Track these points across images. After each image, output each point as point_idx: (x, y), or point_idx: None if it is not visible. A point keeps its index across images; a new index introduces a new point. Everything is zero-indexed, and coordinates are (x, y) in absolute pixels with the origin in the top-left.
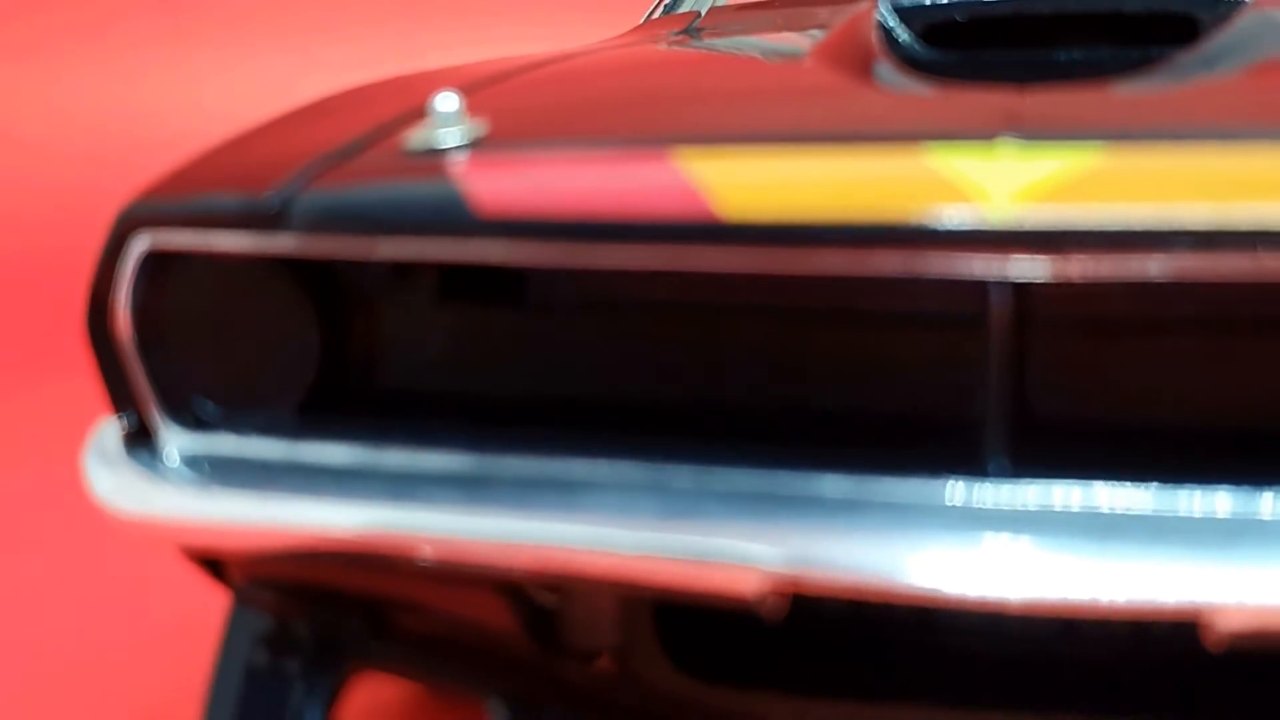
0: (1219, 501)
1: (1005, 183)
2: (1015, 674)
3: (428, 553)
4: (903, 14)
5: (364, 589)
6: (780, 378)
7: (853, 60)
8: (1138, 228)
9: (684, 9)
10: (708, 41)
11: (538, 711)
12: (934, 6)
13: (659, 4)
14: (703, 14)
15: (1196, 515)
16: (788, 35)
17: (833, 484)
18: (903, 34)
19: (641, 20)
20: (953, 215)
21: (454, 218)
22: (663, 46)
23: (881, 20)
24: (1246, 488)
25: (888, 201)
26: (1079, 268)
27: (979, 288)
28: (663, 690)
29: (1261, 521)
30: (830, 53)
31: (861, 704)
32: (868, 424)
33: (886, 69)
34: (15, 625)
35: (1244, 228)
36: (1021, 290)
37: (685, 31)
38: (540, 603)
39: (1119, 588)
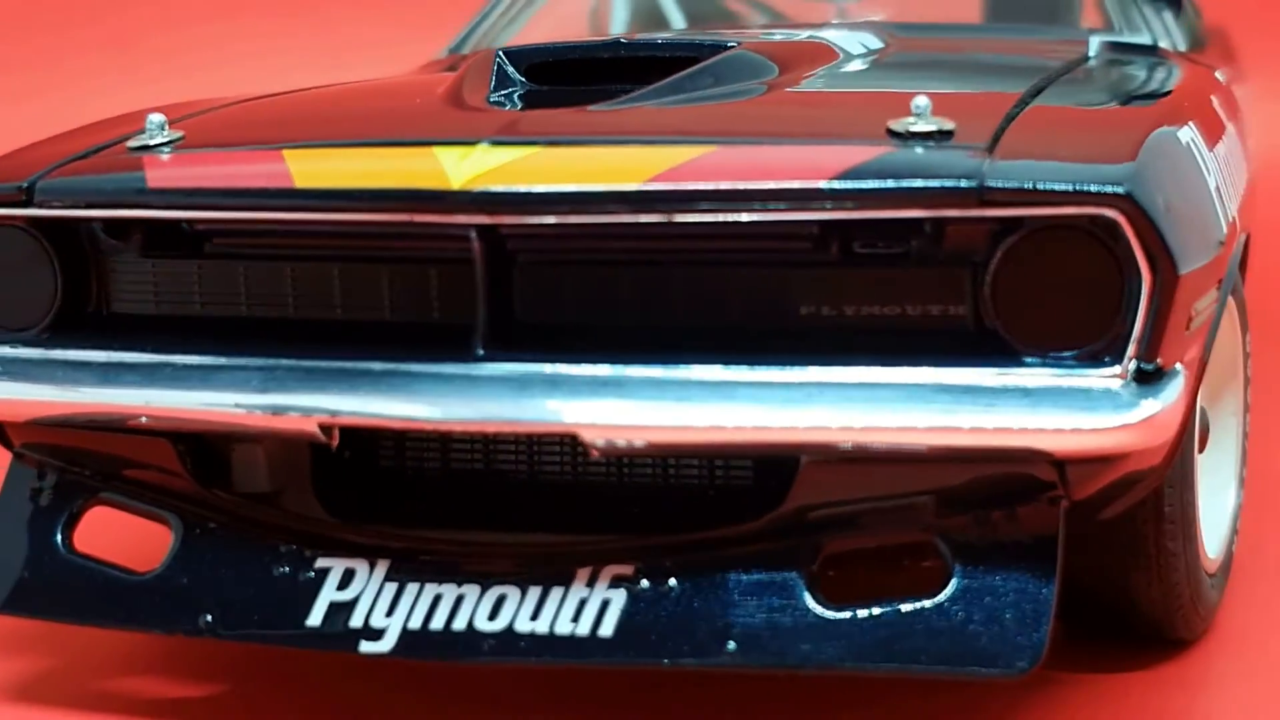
0: (598, 369)
1: (466, 169)
2: (558, 503)
3: (132, 417)
4: (512, 57)
5: (90, 446)
6: (349, 297)
7: (457, 89)
8: (541, 196)
9: (467, 51)
10: (433, 75)
11: (205, 530)
12: (533, 51)
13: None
14: (457, 58)
15: (587, 375)
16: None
17: (375, 364)
18: (511, 71)
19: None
20: (427, 189)
21: (136, 189)
22: (386, 80)
23: (499, 61)
24: (610, 359)
25: (395, 180)
26: (510, 222)
27: (466, 236)
28: (307, 521)
29: (606, 377)
30: (455, 83)
31: (450, 530)
32: (404, 325)
33: (468, 94)
34: None
35: (600, 194)
36: (489, 237)
37: (441, 70)
38: (210, 451)
39: (539, 416)
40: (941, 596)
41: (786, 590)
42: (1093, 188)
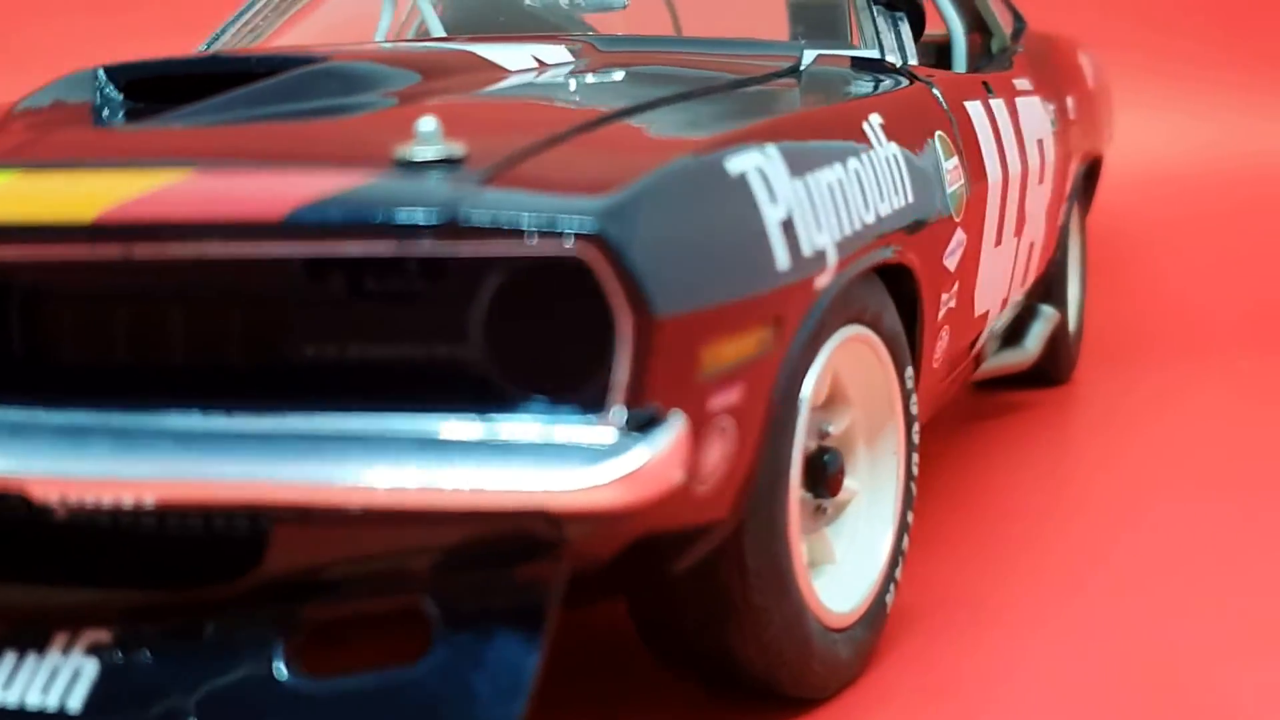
0: (61, 418)
1: None
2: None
3: None
4: (111, 74)
5: None
6: None
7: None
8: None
9: None
10: None
11: None
12: (134, 66)
13: None
14: None
15: (50, 425)
16: None
17: None
18: (109, 88)
19: None
20: None
21: None
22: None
23: (98, 78)
24: (76, 406)
25: None
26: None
27: None
28: None
29: (67, 426)
30: (52, 96)
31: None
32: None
33: (18, 114)
34: None
35: (50, 228)
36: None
37: None
38: None
39: None
40: (420, 668)
41: (258, 659)
42: (561, 225)
